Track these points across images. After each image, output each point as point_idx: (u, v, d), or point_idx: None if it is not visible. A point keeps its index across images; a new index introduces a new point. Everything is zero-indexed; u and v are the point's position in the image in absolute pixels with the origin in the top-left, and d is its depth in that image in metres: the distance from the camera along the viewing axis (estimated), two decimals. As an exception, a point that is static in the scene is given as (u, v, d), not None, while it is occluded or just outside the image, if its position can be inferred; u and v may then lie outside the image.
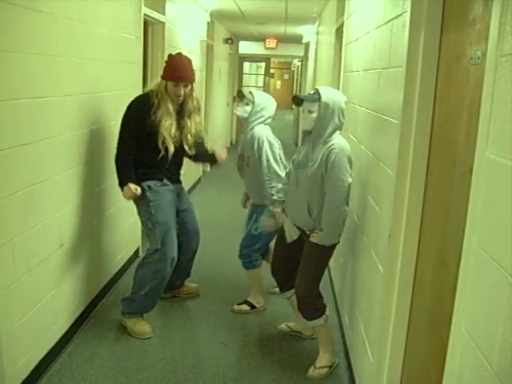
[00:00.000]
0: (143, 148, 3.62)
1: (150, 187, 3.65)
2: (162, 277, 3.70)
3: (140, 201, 3.69)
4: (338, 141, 3.07)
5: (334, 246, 3.23)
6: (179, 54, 3.80)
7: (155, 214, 3.65)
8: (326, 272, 4.98)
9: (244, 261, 4.14)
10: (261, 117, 3.88)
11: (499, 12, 1.39)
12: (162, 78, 3.65)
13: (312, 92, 3.18)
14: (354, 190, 3.29)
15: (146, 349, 3.55)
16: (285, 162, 3.84)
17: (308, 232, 3.20)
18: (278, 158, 3.82)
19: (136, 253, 5.16)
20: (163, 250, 3.65)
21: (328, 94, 3.11)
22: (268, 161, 3.77)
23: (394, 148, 2.45)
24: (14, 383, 2.84)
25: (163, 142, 3.56)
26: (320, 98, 3.07)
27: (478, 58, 1.76)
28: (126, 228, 4.80)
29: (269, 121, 3.94)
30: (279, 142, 3.92)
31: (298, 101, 3.21)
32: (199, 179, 9.08)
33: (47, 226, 3.09)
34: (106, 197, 4.19)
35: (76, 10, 3.33)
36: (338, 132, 3.13)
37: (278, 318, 4.03)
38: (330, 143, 3.05)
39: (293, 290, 3.43)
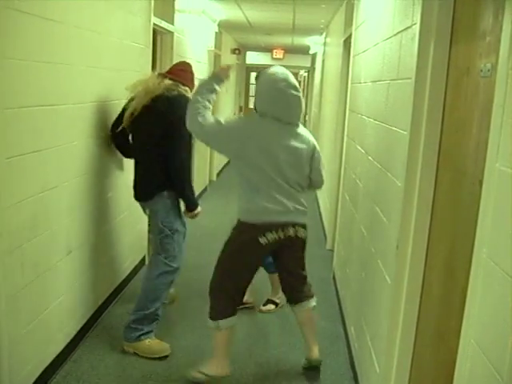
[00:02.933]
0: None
1: (170, 194, 3.61)
2: (170, 286, 3.72)
3: (161, 207, 3.60)
4: None
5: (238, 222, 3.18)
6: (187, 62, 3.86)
7: (174, 221, 3.62)
8: (331, 282, 5.01)
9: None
10: None
11: (510, 24, 1.40)
12: (184, 84, 3.65)
13: None
14: (361, 200, 3.30)
15: (152, 357, 3.55)
16: None
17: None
18: None
19: (142, 261, 5.17)
20: (180, 257, 3.66)
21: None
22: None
23: (402, 159, 2.46)
24: (20, 389, 2.85)
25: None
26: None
27: (488, 70, 1.76)
28: (132, 236, 4.81)
29: None
30: None
31: None
32: (205, 188, 9.09)
33: (55, 233, 3.11)
34: (114, 205, 4.20)
35: (86, 19, 3.36)
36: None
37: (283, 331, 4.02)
38: None
39: None
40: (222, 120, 3.14)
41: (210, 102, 3.15)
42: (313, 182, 3.37)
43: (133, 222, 4.79)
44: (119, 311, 4.17)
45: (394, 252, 2.49)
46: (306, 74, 17.85)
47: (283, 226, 3.14)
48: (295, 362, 3.58)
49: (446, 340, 2.02)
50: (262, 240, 3.09)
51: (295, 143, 3.16)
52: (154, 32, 5.11)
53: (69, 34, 3.11)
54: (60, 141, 3.09)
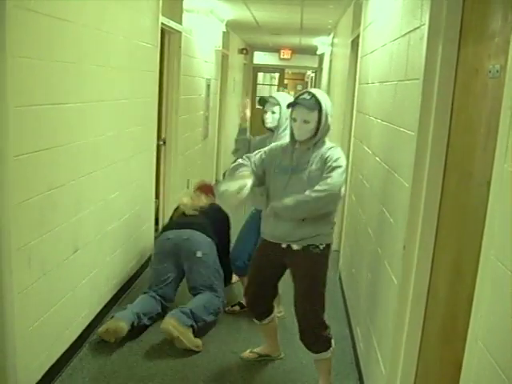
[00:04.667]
0: None
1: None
2: None
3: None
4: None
5: (328, 248, 3.04)
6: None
7: None
8: (337, 282, 5.00)
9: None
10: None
11: (520, 26, 1.40)
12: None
13: (308, 97, 2.93)
14: (368, 201, 3.29)
15: (158, 356, 3.56)
16: None
17: (296, 247, 3.01)
18: None
19: (149, 260, 5.18)
20: None
21: (327, 103, 2.94)
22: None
23: (409, 160, 2.45)
24: (26, 386, 2.86)
25: None
26: (321, 107, 2.90)
27: (497, 71, 1.76)
28: (139, 235, 4.82)
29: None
30: None
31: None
32: (212, 188, 9.09)
33: (63, 231, 3.12)
34: (121, 203, 4.21)
35: (95, 18, 3.38)
36: None
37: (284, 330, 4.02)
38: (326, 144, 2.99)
39: (270, 317, 3.35)
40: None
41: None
42: None
43: (139, 222, 4.80)
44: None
45: (400, 253, 2.49)
46: (313, 75, 17.83)
47: None
48: (298, 364, 3.59)
49: (451, 341, 2.02)
50: None
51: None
52: (162, 31, 5.12)
53: (78, 33, 3.12)
54: (68, 139, 3.10)
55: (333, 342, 3.13)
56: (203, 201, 4.39)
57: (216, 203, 4.48)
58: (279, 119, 3.71)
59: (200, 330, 3.75)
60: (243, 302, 4.16)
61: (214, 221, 4.28)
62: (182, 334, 3.57)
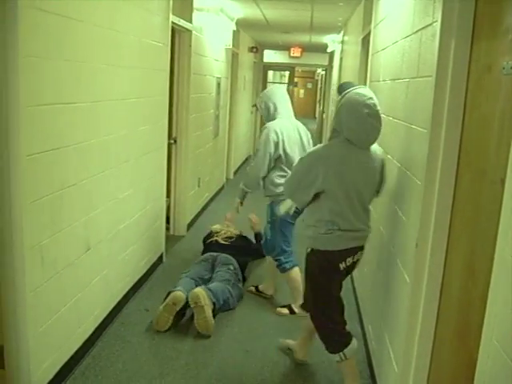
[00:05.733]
0: None
1: None
2: None
3: None
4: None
5: (314, 253, 3.02)
6: None
7: None
8: (348, 280, 4.98)
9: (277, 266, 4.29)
10: (269, 114, 4.15)
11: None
12: None
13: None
14: (380, 199, 3.28)
15: (169, 354, 3.57)
16: (277, 152, 4.05)
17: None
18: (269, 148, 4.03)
19: (160, 258, 5.19)
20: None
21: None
22: (257, 149, 4.10)
23: (422, 157, 2.44)
24: (39, 384, 2.88)
25: None
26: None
27: (511, 68, 1.74)
28: (151, 233, 4.83)
29: (280, 110, 4.11)
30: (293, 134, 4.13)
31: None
32: (222, 186, 9.11)
33: (74, 230, 3.13)
34: (133, 202, 4.23)
35: (106, 17, 3.38)
36: None
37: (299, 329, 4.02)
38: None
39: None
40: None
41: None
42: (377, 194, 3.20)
43: (151, 220, 4.81)
44: (137, 308, 4.20)
45: (413, 251, 2.48)
46: (323, 73, 17.79)
47: (357, 251, 3.06)
48: (313, 360, 3.58)
49: (465, 340, 2.01)
50: (342, 266, 3.01)
51: (370, 163, 2.99)
52: (173, 30, 5.12)
53: (89, 32, 3.13)
54: (78, 138, 3.11)
55: (347, 348, 3.07)
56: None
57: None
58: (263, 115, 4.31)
59: (215, 311, 3.98)
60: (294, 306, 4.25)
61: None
62: (207, 306, 3.82)
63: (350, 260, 3.01)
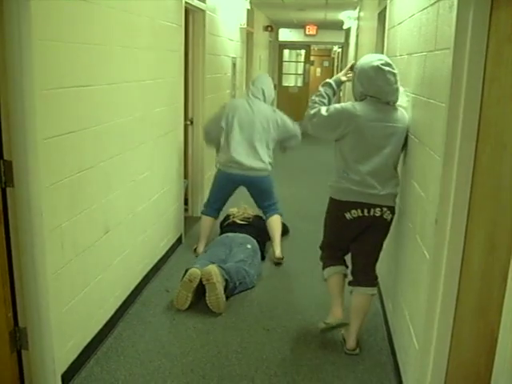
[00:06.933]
0: None
1: None
2: None
3: None
4: None
5: (330, 201, 3.36)
6: None
7: None
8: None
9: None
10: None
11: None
12: None
13: None
14: (399, 175, 3.26)
15: (190, 334, 3.60)
16: None
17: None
18: None
19: (179, 239, 5.22)
20: None
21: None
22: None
23: (441, 132, 2.40)
24: (63, 364, 2.92)
25: None
26: None
27: (531, 37, 1.70)
28: (169, 215, 4.85)
29: (269, 98, 5.08)
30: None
31: None
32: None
33: (93, 213, 3.16)
34: (150, 184, 4.24)
35: (119, -2, 3.36)
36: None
37: (319, 307, 4.02)
38: None
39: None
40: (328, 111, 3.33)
41: (323, 96, 3.55)
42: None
43: (169, 202, 4.83)
44: (157, 289, 4.24)
45: (432, 227, 2.45)
46: (339, 50, 17.61)
47: (370, 206, 3.22)
48: (333, 337, 3.59)
49: (486, 315, 1.99)
50: (348, 215, 3.24)
51: (393, 123, 3.20)
52: (186, 11, 5.09)
53: (103, 14, 3.12)
54: (95, 121, 3.11)
55: (325, 270, 3.50)
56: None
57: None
58: None
59: (229, 290, 4.03)
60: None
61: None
62: (218, 283, 3.84)
63: (355, 212, 3.22)
